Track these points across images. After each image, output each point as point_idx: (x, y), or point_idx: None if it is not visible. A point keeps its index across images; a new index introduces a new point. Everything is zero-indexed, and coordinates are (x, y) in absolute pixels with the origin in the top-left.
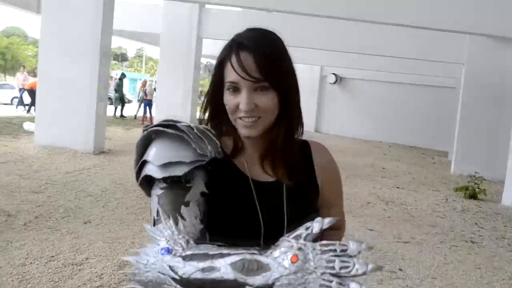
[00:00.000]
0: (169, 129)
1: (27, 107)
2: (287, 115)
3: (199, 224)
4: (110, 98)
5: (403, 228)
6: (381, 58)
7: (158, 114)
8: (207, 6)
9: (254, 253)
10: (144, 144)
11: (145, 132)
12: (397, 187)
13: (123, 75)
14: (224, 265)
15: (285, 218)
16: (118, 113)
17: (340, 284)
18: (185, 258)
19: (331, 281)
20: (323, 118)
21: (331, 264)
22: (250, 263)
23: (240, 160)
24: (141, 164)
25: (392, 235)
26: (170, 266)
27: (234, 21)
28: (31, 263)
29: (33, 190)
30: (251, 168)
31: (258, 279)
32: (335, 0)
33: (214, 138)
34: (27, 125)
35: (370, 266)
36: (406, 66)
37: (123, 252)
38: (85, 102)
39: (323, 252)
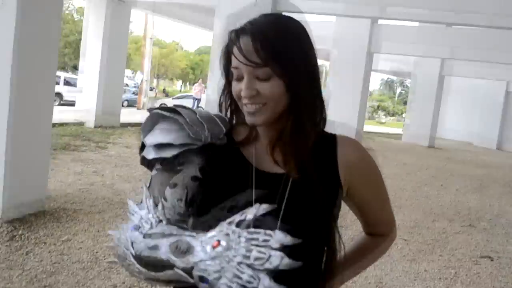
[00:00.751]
0: (166, 112)
1: None
2: (296, 104)
3: (182, 207)
4: None
5: None
6: None
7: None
8: (380, 21)
9: (191, 235)
10: (149, 127)
11: (149, 114)
12: None
13: None
14: (165, 245)
15: (280, 213)
16: None
17: (252, 277)
18: (145, 236)
19: (244, 273)
20: (508, 134)
21: (248, 254)
22: (182, 244)
23: (250, 149)
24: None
25: None
26: (132, 242)
27: (409, 36)
28: None
29: None
30: (261, 159)
31: (181, 262)
32: None
33: (221, 124)
34: None
35: (285, 261)
36: None
37: None
38: None
39: (248, 240)
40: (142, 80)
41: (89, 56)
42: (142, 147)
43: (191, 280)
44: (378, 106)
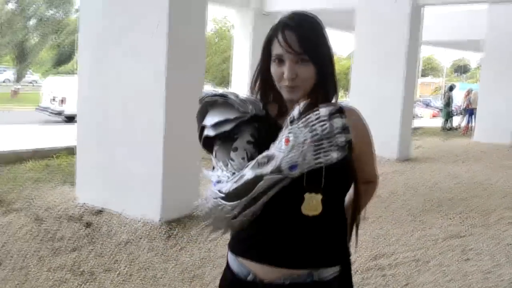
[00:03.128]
0: (217, 98)
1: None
2: (323, 83)
3: (246, 163)
4: (441, 110)
5: None
6: None
7: (480, 123)
8: None
9: (266, 151)
10: (203, 115)
11: (201, 104)
12: None
13: (451, 87)
14: (247, 170)
15: (323, 167)
16: (448, 125)
17: (330, 141)
18: (228, 179)
19: (322, 142)
20: None
21: (314, 132)
22: (262, 158)
23: (284, 120)
24: (202, 131)
25: None
26: (219, 190)
27: None
28: None
29: None
30: None
31: (268, 167)
32: None
33: (257, 102)
34: None
35: (338, 120)
36: None
37: (383, 246)
38: (391, 112)
39: (306, 125)
40: None
41: (238, 69)
42: (201, 131)
43: (281, 176)
44: None
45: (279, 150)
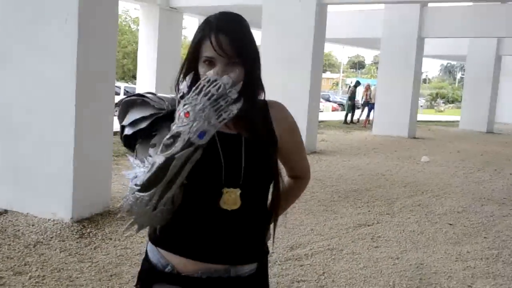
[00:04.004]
0: (133, 97)
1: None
2: (251, 83)
3: None
4: (343, 105)
5: None
6: None
7: (378, 117)
8: (429, 5)
9: (168, 133)
10: (123, 116)
11: (119, 106)
12: None
13: (357, 83)
14: (156, 157)
15: (242, 162)
16: (349, 118)
17: (225, 98)
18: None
19: (218, 102)
20: None
21: (209, 95)
22: (167, 140)
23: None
24: (123, 131)
25: None
26: (135, 184)
27: (458, 18)
28: None
29: None
30: None
31: (178, 145)
32: None
33: (174, 99)
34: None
35: (225, 78)
36: None
37: (299, 236)
38: (299, 107)
39: (199, 92)
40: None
41: (143, 65)
42: (122, 132)
43: (193, 147)
44: (437, 94)
45: (182, 125)
